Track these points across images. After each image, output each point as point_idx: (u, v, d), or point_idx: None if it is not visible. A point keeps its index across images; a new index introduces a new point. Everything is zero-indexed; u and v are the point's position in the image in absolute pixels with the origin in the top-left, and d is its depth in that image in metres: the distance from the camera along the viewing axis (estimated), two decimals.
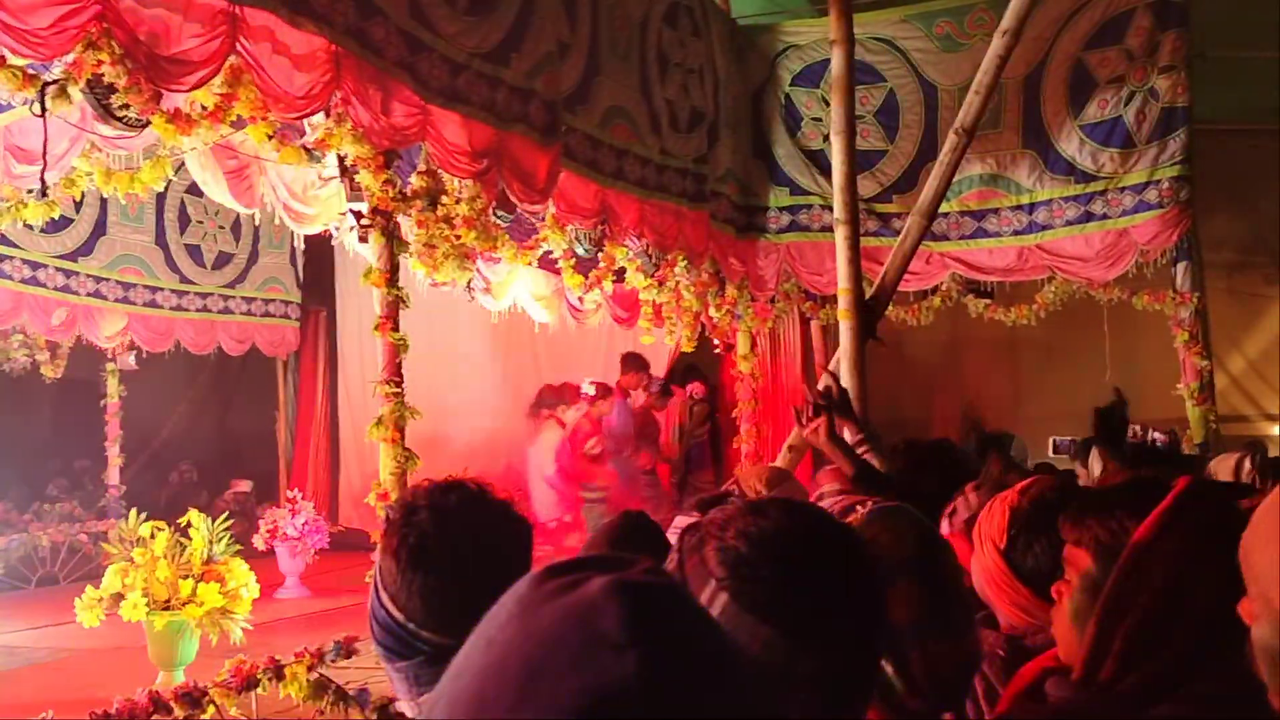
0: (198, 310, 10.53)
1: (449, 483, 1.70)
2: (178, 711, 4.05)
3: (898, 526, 1.64)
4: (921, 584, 1.55)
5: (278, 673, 4.48)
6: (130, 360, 10.76)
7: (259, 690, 4.47)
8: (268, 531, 9.03)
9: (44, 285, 8.96)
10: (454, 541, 1.60)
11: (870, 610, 1.20)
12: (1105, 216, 8.20)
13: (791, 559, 1.15)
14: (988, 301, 8.93)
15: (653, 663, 0.62)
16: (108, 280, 9.53)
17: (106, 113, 4.00)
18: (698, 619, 0.71)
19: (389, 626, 1.63)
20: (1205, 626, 1.32)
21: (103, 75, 3.92)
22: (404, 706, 1.66)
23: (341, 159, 4.99)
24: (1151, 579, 1.36)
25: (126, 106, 4.01)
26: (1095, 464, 4.07)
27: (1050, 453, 8.14)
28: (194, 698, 4.13)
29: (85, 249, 9.28)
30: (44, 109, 4.04)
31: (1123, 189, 8.13)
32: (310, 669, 4.57)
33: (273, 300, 11.50)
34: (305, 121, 4.87)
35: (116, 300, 9.65)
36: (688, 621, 0.68)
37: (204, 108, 4.46)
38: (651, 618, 0.65)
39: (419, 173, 5.36)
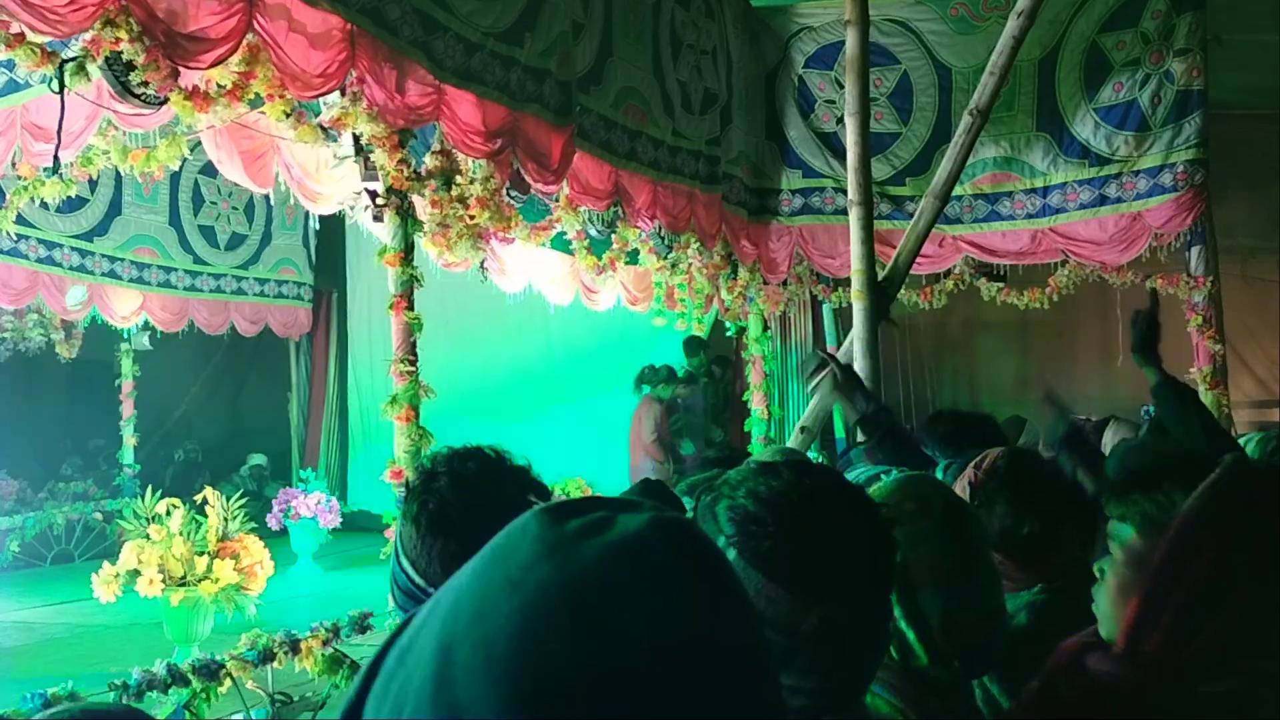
0: (211, 291, 10.59)
1: (468, 450, 1.72)
2: (195, 683, 4.09)
3: (924, 494, 1.65)
4: (945, 552, 1.56)
5: (294, 647, 4.52)
6: (145, 340, 10.81)
7: (275, 664, 4.51)
8: (280, 510, 9.10)
9: (60, 265, 9.01)
10: (473, 507, 1.62)
11: (878, 571, 1.22)
12: (1119, 200, 8.18)
13: (800, 518, 1.17)
14: (1000, 285, 8.92)
15: (704, 592, 0.66)
16: (122, 260, 9.58)
17: (125, 90, 4.01)
18: (721, 552, 0.75)
19: (410, 591, 1.65)
20: (1254, 602, 1.31)
21: (121, 53, 3.94)
22: None
23: (357, 138, 5.00)
24: (1202, 552, 1.34)
25: (145, 84, 4.02)
26: (1111, 439, 4.07)
27: None
28: (211, 670, 4.17)
29: (100, 229, 9.33)
30: (62, 86, 4.06)
31: (1137, 172, 8.11)
32: (325, 644, 4.61)
33: (286, 281, 11.55)
34: (321, 100, 4.89)
35: (131, 280, 9.71)
36: (718, 554, 0.72)
37: (221, 86, 4.48)
38: (696, 551, 0.69)
39: (433, 153, 5.36)
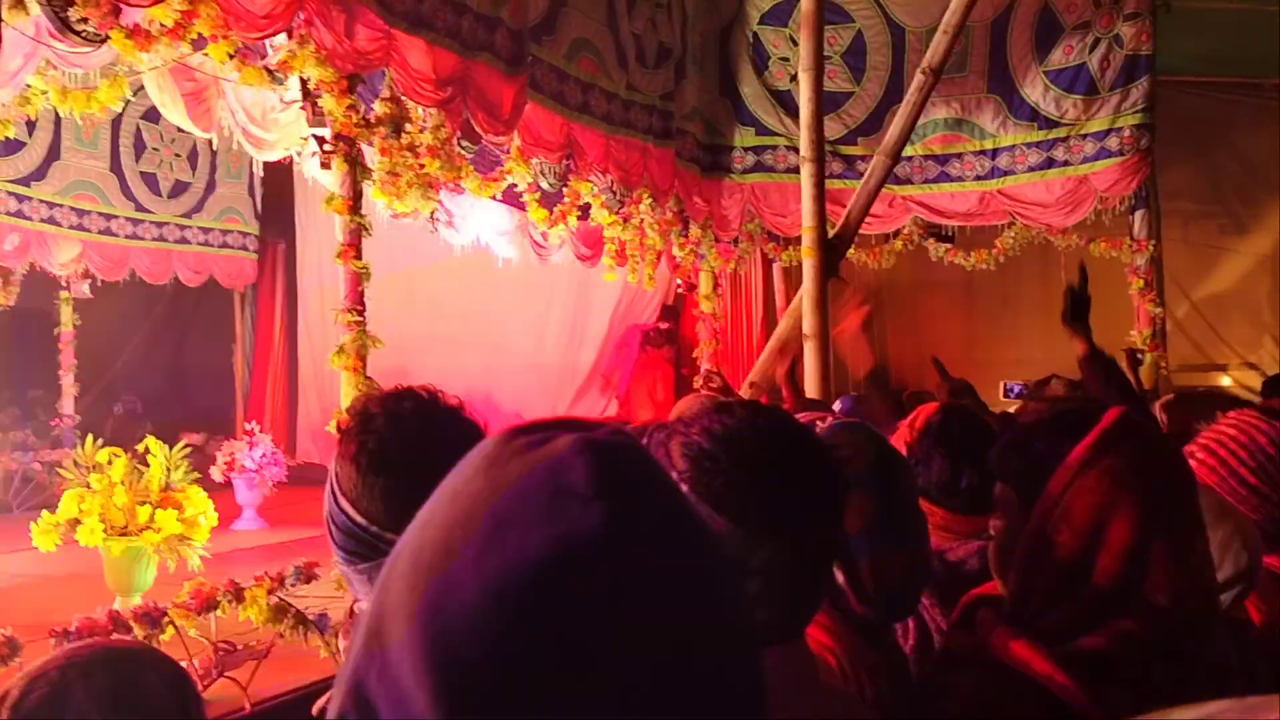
0: (154, 239, 10.39)
1: (401, 390, 1.72)
2: (137, 631, 4.05)
3: (857, 441, 1.68)
4: (876, 496, 1.60)
5: (237, 595, 4.49)
6: (84, 289, 10.59)
7: (218, 613, 4.48)
8: (225, 464, 9.01)
9: None
10: (412, 444, 1.62)
11: (825, 509, 1.24)
12: (1066, 163, 8.28)
13: (750, 455, 1.19)
14: (948, 246, 9.00)
15: (618, 515, 0.63)
16: (61, 206, 9.36)
17: (65, 26, 3.91)
18: (661, 479, 0.72)
19: (350, 531, 1.65)
20: (1126, 563, 1.31)
21: None
22: (366, 605, 1.68)
23: (304, 82, 4.91)
24: (1072, 516, 1.34)
25: (85, 20, 3.92)
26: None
27: (1001, 397, 8.27)
28: (153, 618, 4.14)
29: (38, 174, 9.10)
30: None
31: (1084, 136, 8.20)
32: (270, 593, 4.58)
33: (230, 231, 11.36)
34: (267, 43, 4.79)
35: (71, 227, 9.50)
36: (652, 480, 0.69)
37: (163, 25, 4.36)
38: (617, 474, 0.66)
39: (382, 99, 5.28)
